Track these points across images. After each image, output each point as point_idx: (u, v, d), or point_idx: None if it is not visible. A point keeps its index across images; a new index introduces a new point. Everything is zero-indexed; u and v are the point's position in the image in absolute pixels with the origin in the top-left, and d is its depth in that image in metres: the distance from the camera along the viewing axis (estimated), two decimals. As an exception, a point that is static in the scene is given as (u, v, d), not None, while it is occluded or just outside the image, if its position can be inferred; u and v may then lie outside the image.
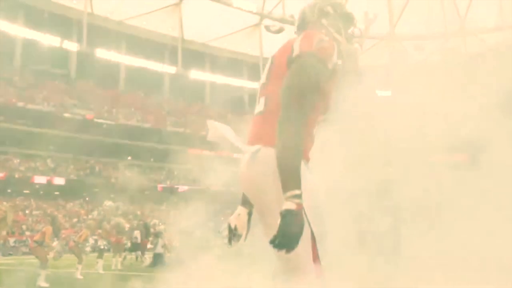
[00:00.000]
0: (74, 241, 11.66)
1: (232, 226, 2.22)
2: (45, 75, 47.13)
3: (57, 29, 46.34)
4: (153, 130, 48.36)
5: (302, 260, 1.80)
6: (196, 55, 57.46)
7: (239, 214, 2.24)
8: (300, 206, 1.73)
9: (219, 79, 57.07)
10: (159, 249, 13.96)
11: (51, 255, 9.42)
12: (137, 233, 15.69)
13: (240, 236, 2.21)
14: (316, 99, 1.89)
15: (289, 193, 1.73)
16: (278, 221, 1.70)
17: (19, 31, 44.49)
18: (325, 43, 1.96)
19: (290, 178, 1.75)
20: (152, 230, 16.35)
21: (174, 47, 55.13)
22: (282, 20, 53.85)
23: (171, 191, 47.28)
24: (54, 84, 46.79)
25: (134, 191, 45.18)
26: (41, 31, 44.61)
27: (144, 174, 46.45)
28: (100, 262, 12.12)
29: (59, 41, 45.73)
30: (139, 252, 15.61)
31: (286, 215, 1.70)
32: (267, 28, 51.99)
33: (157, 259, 13.73)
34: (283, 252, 1.69)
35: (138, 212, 40.80)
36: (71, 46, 47.66)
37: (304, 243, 1.75)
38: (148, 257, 14.79)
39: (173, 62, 54.92)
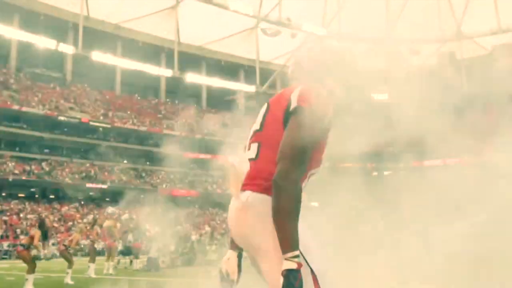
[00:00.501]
0: (64, 245, 11.40)
1: (224, 272, 2.15)
2: (41, 78, 47.00)
3: (53, 31, 46.19)
4: (149, 133, 48.21)
5: None
6: (192, 58, 57.39)
7: (228, 258, 2.19)
8: (300, 264, 1.73)
9: (216, 82, 56.92)
10: (153, 253, 13.77)
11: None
12: (131, 237, 15.49)
13: (233, 280, 2.14)
14: (312, 154, 1.90)
15: (290, 254, 1.74)
16: (281, 281, 1.71)
17: (14, 33, 44.31)
18: (323, 99, 1.95)
19: (289, 239, 1.76)
20: (148, 233, 16.18)
21: (170, 50, 55.05)
22: (278, 23, 53.89)
23: (167, 194, 47.08)
24: (50, 87, 46.64)
25: (129, 194, 45.04)
26: (37, 34, 44.41)
27: (140, 178, 46.35)
28: (92, 267, 11.90)
29: (54, 44, 45.47)
30: (132, 256, 15.41)
31: (289, 275, 1.71)
32: (264, 31, 52.02)
33: (151, 263, 13.54)
34: None
35: (134, 216, 40.47)
36: (67, 49, 47.45)
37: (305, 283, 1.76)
38: (136, 261, 14.54)
39: (169, 65, 54.81)
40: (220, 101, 59.25)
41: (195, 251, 14.99)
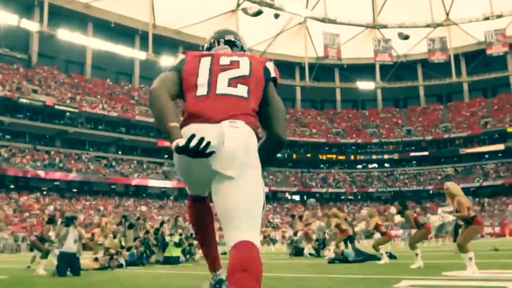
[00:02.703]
0: (36, 236, 10.37)
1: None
2: (3, 59, 43.42)
3: (16, 7, 42.65)
4: (120, 119, 44.96)
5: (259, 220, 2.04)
6: (169, 42, 54.26)
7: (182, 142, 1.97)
8: None
9: (193, 66, 53.66)
10: (69, 247, 8.43)
11: None
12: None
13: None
14: None
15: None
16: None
17: (-28, 8, 40.50)
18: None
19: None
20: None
21: (144, 32, 51.74)
22: (260, 3, 50.82)
23: (141, 185, 44.05)
24: (12, 68, 43.08)
25: (98, 185, 41.89)
26: (-2, 9, 40.68)
27: (110, 167, 43.16)
28: (43, 262, 8.97)
29: (16, 20, 41.64)
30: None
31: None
32: (245, 10, 48.94)
33: (65, 263, 8.29)
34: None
35: (101, 208, 37.35)
36: (31, 25, 43.65)
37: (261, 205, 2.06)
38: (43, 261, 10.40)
39: (144, 48, 51.44)
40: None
41: (151, 245, 11.42)
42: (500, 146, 51.27)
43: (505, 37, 50.92)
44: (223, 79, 2.19)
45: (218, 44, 2.51)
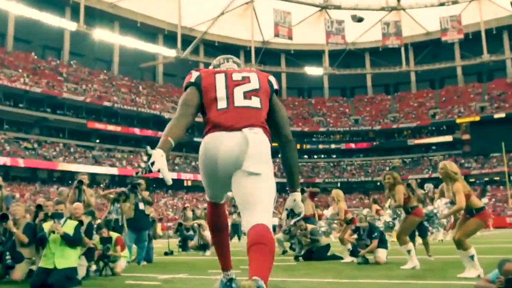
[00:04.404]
0: None
1: (156, 169, 2.22)
2: None
3: None
4: (45, 96, 39.89)
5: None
6: (103, 14, 49.35)
7: (162, 155, 2.26)
8: None
9: (130, 42, 48.96)
10: None
11: None
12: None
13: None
14: None
15: (298, 189, 2.67)
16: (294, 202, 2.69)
17: None
18: None
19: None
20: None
21: (76, 3, 46.51)
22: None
23: (67, 171, 39.41)
24: None
25: (16, 169, 36.90)
26: None
27: (32, 150, 38.19)
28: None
29: None
30: None
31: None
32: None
33: None
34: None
35: (17, 195, 32.41)
36: None
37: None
38: None
39: (76, 19, 46.15)
40: (134, 68, 51.91)
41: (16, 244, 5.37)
42: (449, 138, 50.41)
43: (460, 24, 49.64)
44: (239, 93, 2.54)
45: (228, 61, 2.88)
